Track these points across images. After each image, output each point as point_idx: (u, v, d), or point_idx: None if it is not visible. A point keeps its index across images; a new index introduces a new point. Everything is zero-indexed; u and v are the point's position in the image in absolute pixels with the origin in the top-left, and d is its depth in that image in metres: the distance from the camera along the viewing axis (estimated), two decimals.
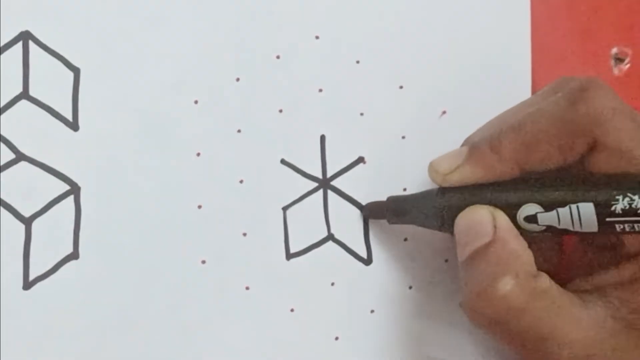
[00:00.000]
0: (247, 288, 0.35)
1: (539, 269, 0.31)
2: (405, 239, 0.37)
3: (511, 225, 0.31)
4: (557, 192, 0.31)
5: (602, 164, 0.31)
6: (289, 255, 0.36)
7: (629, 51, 0.40)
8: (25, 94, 0.32)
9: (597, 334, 0.30)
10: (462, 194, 0.33)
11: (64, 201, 0.33)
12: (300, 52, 0.36)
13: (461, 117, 0.38)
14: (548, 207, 0.31)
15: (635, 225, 0.30)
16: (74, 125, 0.33)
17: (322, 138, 0.36)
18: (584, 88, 0.31)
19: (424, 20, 0.37)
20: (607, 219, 0.30)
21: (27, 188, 0.32)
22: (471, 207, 0.32)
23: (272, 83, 0.35)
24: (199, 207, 0.34)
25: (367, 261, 0.36)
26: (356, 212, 0.36)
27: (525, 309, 0.30)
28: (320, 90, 0.36)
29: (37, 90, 0.33)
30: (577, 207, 0.30)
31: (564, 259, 0.35)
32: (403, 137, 0.37)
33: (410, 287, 0.37)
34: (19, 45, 0.32)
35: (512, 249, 0.31)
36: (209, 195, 0.34)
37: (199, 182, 0.34)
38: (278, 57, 0.36)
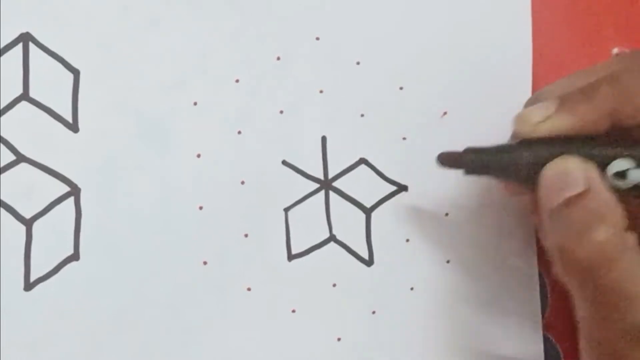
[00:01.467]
0: (249, 289, 0.35)
1: None
2: (407, 240, 0.37)
3: (601, 179, 0.31)
4: None
5: None
6: (291, 257, 0.35)
7: (629, 51, 0.40)
8: (25, 96, 0.32)
9: None
10: (550, 147, 0.31)
11: (64, 202, 0.33)
12: (300, 54, 0.36)
13: (462, 118, 0.38)
14: None
15: None
16: (74, 127, 0.33)
17: (323, 139, 0.36)
18: None
19: (425, 22, 0.37)
20: None
21: (28, 189, 0.32)
22: (561, 157, 0.31)
23: (273, 84, 0.35)
24: (200, 208, 0.34)
25: (369, 262, 0.36)
26: (358, 213, 0.36)
27: (618, 260, 0.29)
28: (321, 92, 0.36)
29: (37, 91, 0.33)
30: None
31: None
32: (404, 139, 0.37)
33: (411, 288, 0.37)
34: (19, 47, 0.32)
35: (607, 200, 0.30)
36: (210, 197, 0.34)
37: (200, 184, 0.34)
38: (278, 58, 0.36)
